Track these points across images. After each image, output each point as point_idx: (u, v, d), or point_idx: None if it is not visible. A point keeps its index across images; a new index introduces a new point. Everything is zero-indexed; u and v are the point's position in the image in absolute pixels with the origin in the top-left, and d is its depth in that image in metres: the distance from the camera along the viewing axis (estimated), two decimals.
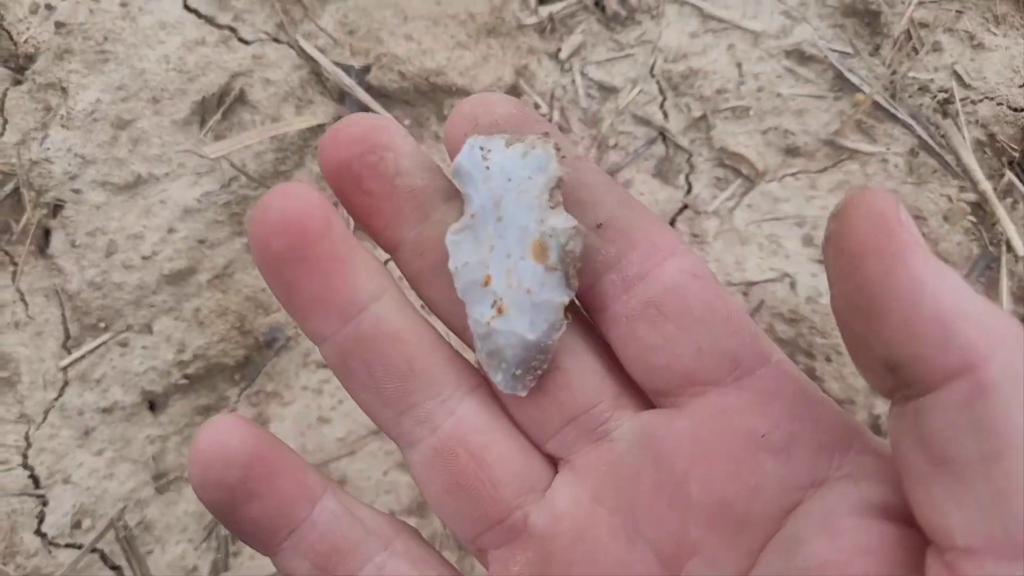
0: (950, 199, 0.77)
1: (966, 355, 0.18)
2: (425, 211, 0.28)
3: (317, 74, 0.77)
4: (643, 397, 0.28)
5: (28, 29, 0.76)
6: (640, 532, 0.26)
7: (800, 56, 0.81)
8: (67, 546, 0.66)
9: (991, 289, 0.76)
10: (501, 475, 0.28)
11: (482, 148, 0.26)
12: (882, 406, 0.72)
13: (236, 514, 0.26)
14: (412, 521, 0.71)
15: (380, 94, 0.77)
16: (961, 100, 0.80)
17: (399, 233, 0.28)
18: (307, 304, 0.27)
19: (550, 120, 0.79)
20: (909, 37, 0.82)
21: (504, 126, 0.27)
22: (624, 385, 0.28)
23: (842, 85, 0.81)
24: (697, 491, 0.25)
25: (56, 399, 0.69)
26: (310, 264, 0.26)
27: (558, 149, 0.27)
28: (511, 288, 0.27)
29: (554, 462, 0.29)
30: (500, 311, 0.27)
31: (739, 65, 0.81)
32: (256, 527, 0.26)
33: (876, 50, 0.82)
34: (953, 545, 0.19)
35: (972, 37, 0.83)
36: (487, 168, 0.26)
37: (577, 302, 0.28)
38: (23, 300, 0.71)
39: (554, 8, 0.82)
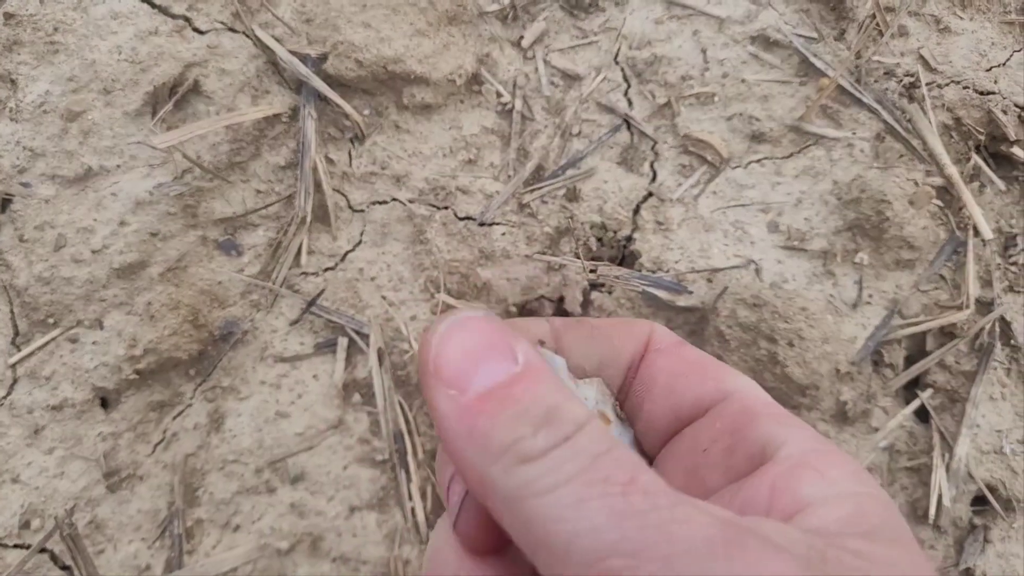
0: (916, 183, 0.76)
1: None
2: None
3: (274, 64, 0.76)
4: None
5: None
6: None
7: (765, 41, 0.81)
8: (15, 547, 0.64)
9: (958, 273, 0.76)
10: None
11: None
12: (848, 392, 0.71)
13: None
14: (373, 516, 0.69)
15: (338, 83, 0.75)
16: (927, 84, 0.79)
17: None
18: None
19: (511, 109, 0.78)
20: (875, 21, 0.81)
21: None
22: None
23: (807, 70, 0.80)
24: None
25: (5, 397, 0.67)
26: None
27: (542, 343, 0.32)
28: None
29: None
30: None
31: (704, 51, 0.81)
32: None
33: (841, 35, 0.81)
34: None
35: (938, 21, 0.82)
36: None
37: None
38: None
39: None
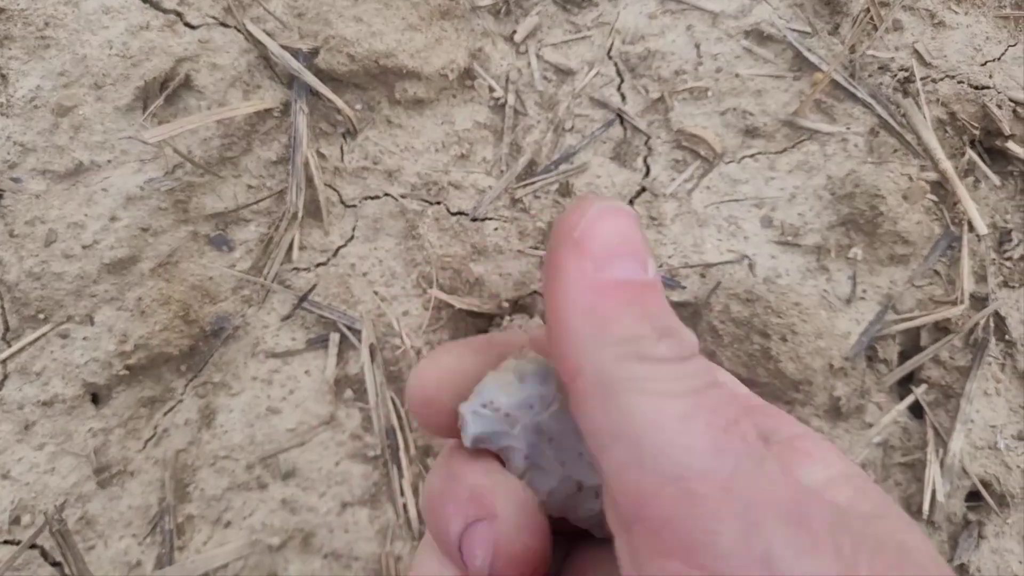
0: (911, 178, 0.76)
1: (566, 372, 0.25)
2: None
3: (265, 58, 0.76)
4: None
5: None
6: None
7: (759, 36, 0.80)
8: (5, 543, 0.64)
9: (952, 268, 0.75)
10: None
11: (485, 406, 0.28)
12: (842, 387, 0.71)
13: None
14: (364, 511, 0.69)
15: (330, 78, 0.75)
16: (922, 79, 0.79)
17: None
18: None
19: (504, 104, 0.78)
20: (869, 15, 0.81)
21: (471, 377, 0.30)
22: None
23: (801, 65, 0.79)
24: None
25: None
26: None
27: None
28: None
29: None
30: None
31: (697, 46, 0.80)
32: None
33: (835, 29, 0.81)
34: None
35: (932, 15, 0.82)
36: (507, 415, 0.28)
37: None
38: None
39: None
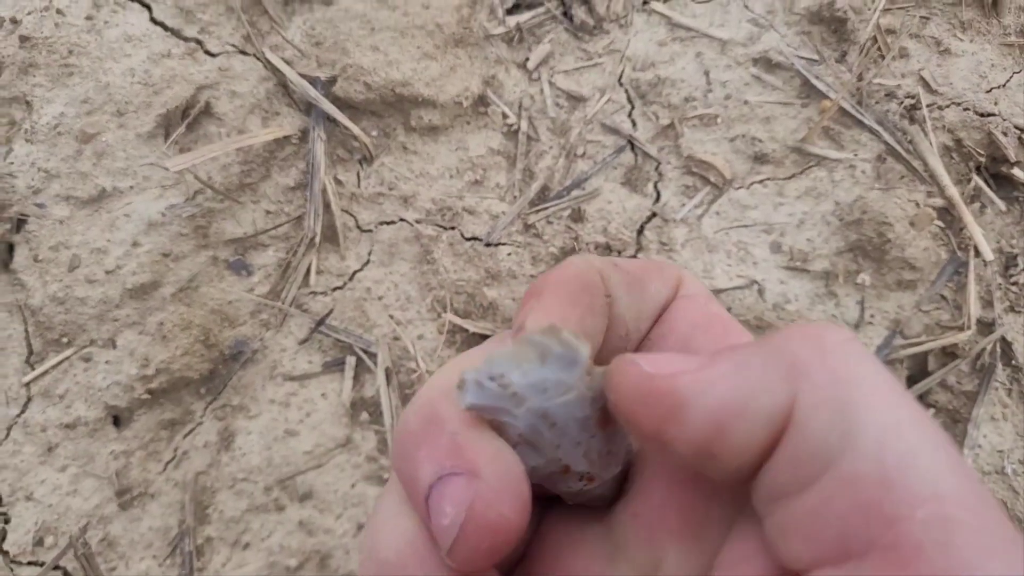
0: (917, 204, 0.77)
1: (772, 421, 0.21)
2: None
3: (284, 86, 0.77)
4: None
5: None
6: (622, 552, 0.27)
7: (767, 63, 0.82)
8: (29, 564, 0.65)
9: (959, 293, 0.77)
10: None
11: (493, 379, 0.25)
12: None
13: None
14: None
15: (347, 106, 0.77)
16: (928, 106, 0.80)
17: None
18: None
19: (517, 131, 0.79)
20: (876, 43, 0.82)
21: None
22: None
23: (809, 92, 0.81)
24: (658, 500, 0.27)
25: (19, 415, 0.68)
26: None
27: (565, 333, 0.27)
28: (593, 463, 0.27)
29: None
30: (590, 480, 0.28)
31: (707, 73, 0.82)
32: None
33: (843, 57, 0.82)
34: (800, 568, 0.20)
35: (939, 43, 0.83)
36: (515, 394, 0.25)
37: None
38: None
39: (522, 18, 0.82)
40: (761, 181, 0.79)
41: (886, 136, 0.79)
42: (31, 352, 0.70)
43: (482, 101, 0.80)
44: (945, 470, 0.19)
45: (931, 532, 0.18)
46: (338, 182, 0.77)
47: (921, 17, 0.83)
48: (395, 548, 0.24)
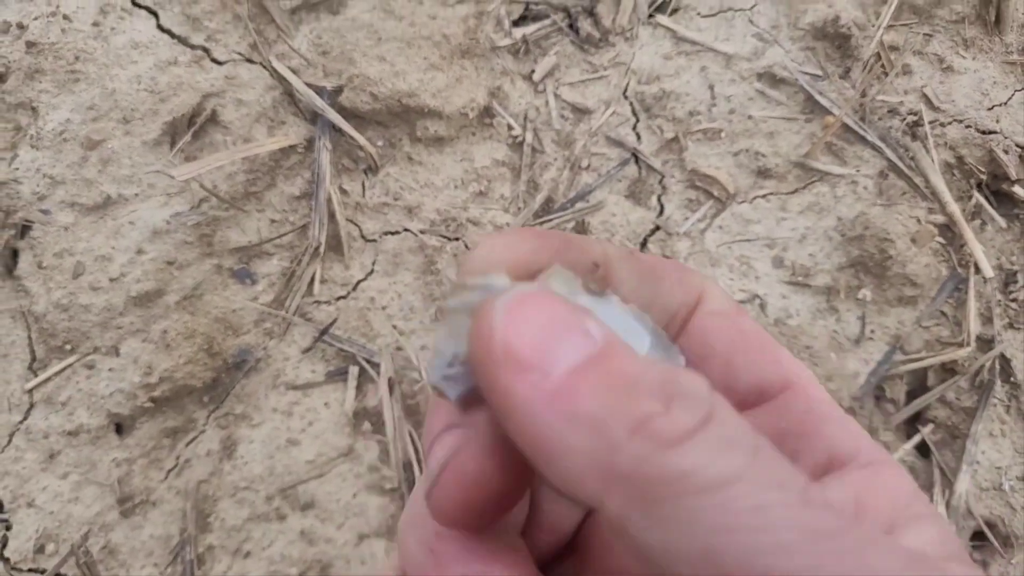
0: (919, 221, 0.77)
1: (587, 500, 0.20)
2: None
3: (290, 95, 0.77)
4: None
5: None
6: None
7: (771, 79, 0.82)
8: (30, 571, 0.65)
9: (959, 310, 0.77)
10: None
11: (452, 365, 0.24)
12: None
13: None
14: (381, 543, 0.70)
15: (353, 115, 0.77)
16: (930, 123, 0.81)
17: None
18: None
19: (522, 142, 0.80)
20: (879, 60, 0.83)
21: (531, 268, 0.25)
22: None
23: (813, 107, 0.81)
24: None
25: (21, 422, 0.68)
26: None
27: (596, 266, 0.26)
28: None
29: None
30: None
31: (711, 87, 0.82)
32: None
33: (846, 73, 0.82)
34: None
35: (941, 60, 0.84)
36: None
37: None
38: None
39: (528, 30, 0.82)
40: (764, 196, 0.80)
41: (888, 152, 0.80)
42: (34, 359, 0.70)
43: (488, 112, 0.80)
44: (790, 546, 0.18)
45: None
46: (343, 192, 0.77)
47: (924, 34, 0.84)
48: (406, 513, 0.26)
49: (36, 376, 0.69)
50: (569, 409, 0.20)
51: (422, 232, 0.77)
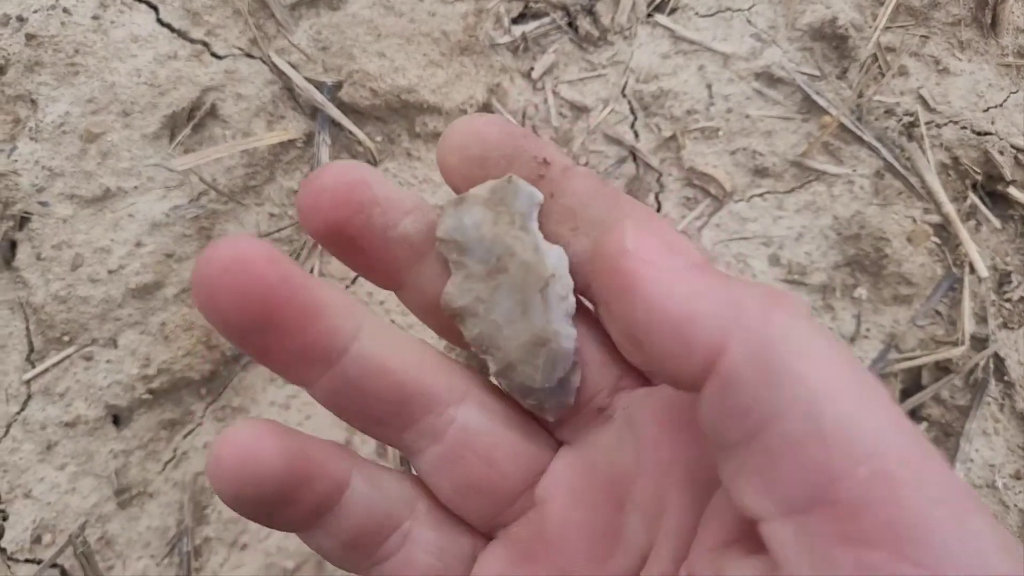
0: (914, 220, 0.78)
1: (705, 357, 0.20)
2: (421, 251, 0.28)
3: (289, 90, 0.78)
4: (642, 375, 0.29)
5: None
6: (629, 497, 0.27)
7: (769, 78, 0.83)
8: (27, 561, 0.65)
9: (954, 309, 0.78)
10: (508, 467, 0.29)
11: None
12: None
13: (270, 520, 0.27)
14: None
15: (352, 111, 0.77)
16: (926, 123, 0.81)
17: (399, 277, 0.29)
18: (284, 363, 0.26)
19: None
20: (876, 61, 0.83)
21: (496, 155, 0.28)
22: (624, 368, 0.29)
23: (810, 107, 0.82)
24: (666, 455, 0.26)
25: (18, 413, 0.69)
26: (279, 329, 0.25)
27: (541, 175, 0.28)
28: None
29: (559, 444, 0.31)
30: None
31: (709, 86, 0.83)
32: (288, 524, 0.27)
33: (843, 73, 0.83)
34: (753, 517, 0.20)
35: (938, 62, 0.85)
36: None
37: (581, 298, 0.30)
38: None
39: (527, 28, 0.83)
40: (761, 194, 0.80)
41: (885, 153, 0.80)
42: (32, 350, 0.70)
43: (486, 109, 0.80)
44: (886, 428, 0.19)
45: (874, 488, 0.18)
46: None
47: (921, 36, 0.84)
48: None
49: (34, 367, 0.69)
50: (700, 282, 0.21)
51: None
